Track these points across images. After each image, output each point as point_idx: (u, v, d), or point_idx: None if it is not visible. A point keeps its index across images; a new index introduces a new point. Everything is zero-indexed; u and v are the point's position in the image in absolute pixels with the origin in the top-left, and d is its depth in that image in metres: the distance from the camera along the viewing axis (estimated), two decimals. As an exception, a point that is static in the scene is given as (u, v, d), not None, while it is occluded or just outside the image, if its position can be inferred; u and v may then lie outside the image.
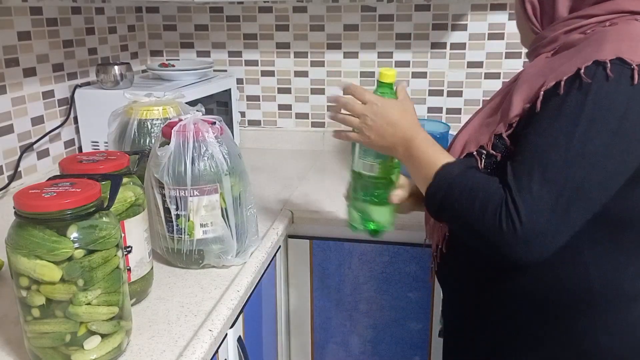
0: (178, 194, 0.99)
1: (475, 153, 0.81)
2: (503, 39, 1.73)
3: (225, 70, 1.92)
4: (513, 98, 0.78)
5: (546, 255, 0.70)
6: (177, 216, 1.00)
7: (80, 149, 1.62)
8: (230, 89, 1.79)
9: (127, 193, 0.88)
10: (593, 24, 0.77)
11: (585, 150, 0.69)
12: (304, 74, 1.88)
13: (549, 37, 0.82)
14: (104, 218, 0.75)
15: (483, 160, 0.80)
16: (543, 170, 0.69)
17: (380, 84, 0.90)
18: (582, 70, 0.70)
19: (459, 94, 1.80)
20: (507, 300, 0.82)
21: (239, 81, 1.91)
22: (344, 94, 0.91)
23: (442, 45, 1.77)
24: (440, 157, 0.82)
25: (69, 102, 1.57)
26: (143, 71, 1.94)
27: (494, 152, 0.79)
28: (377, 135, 0.87)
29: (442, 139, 1.45)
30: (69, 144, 1.60)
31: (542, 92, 0.73)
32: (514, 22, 1.72)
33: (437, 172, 0.80)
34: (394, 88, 0.90)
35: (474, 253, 0.83)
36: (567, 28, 0.80)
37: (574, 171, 0.69)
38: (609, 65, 0.69)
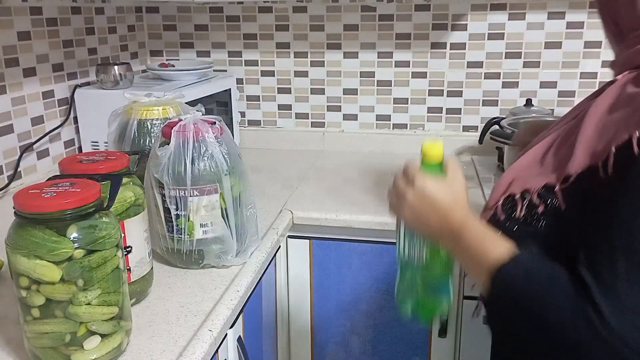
0: (178, 194, 0.99)
1: (518, 196, 0.71)
2: (503, 39, 1.73)
3: (225, 70, 1.92)
4: (577, 146, 0.65)
5: None
6: (177, 216, 1.00)
7: (80, 149, 1.62)
8: (230, 89, 1.79)
9: (127, 193, 0.88)
10: None
11: None
12: (304, 74, 1.88)
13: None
14: (103, 218, 0.75)
15: (524, 208, 0.70)
16: (630, 262, 0.56)
17: (424, 164, 0.78)
18: None
19: (459, 94, 1.80)
20: None
21: (239, 81, 1.91)
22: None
23: (442, 45, 1.77)
24: (492, 252, 0.67)
25: (69, 102, 1.57)
26: (143, 71, 1.94)
27: (537, 202, 0.69)
28: (417, 219, 0.76)
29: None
30: (69, 144, 1.60)
31: (612, 148, 0.59)
32: (514, 22, 1.73)
33: (493, 278, 0.66)
34: (443, 166, 0.78)
35: None
36: None
37: None
38: None
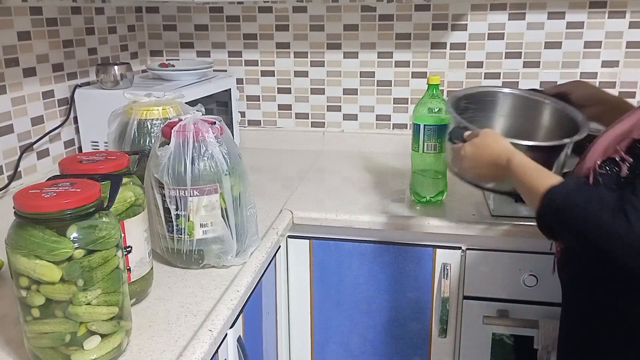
0: (178, 194, 0.99)
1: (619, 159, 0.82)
2: (503, 39, 1.73)
3: (225, 70, 1.92)
4: None
5: None
6: (177, 216, 1.00)
7: (80, 149, 1.62)
8: (230, 89, 1.79)
9: (127, 193, 0.88)
10: None
11: None
12: (304, 74, 1.88)
13: None
14: (103, 218, 0.75)
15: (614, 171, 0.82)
16: None
17: (429, 85, 1.31)
18: None
19: (459, 94, 1.80)
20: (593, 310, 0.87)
21: (239, 81, 1.91)
22: None
23: (442, 45, 1.77)
24: (543, 179, 0.83)
25: (69, 102, 1.57)
26: (143, 71, 1.94)
27: (626, 157, 0.80)
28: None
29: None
30: (68, 144, 1.60)
31: None
32: (514, 22, 1.73)
33: (543, 195, 0.81)
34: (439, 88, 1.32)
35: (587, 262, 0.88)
36: None
37: None
38: None
